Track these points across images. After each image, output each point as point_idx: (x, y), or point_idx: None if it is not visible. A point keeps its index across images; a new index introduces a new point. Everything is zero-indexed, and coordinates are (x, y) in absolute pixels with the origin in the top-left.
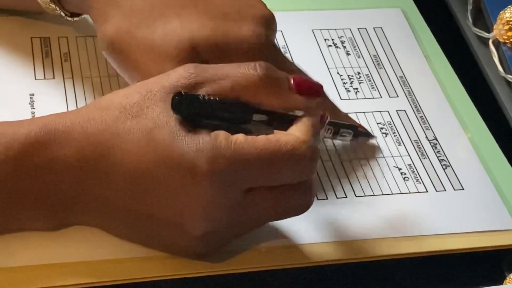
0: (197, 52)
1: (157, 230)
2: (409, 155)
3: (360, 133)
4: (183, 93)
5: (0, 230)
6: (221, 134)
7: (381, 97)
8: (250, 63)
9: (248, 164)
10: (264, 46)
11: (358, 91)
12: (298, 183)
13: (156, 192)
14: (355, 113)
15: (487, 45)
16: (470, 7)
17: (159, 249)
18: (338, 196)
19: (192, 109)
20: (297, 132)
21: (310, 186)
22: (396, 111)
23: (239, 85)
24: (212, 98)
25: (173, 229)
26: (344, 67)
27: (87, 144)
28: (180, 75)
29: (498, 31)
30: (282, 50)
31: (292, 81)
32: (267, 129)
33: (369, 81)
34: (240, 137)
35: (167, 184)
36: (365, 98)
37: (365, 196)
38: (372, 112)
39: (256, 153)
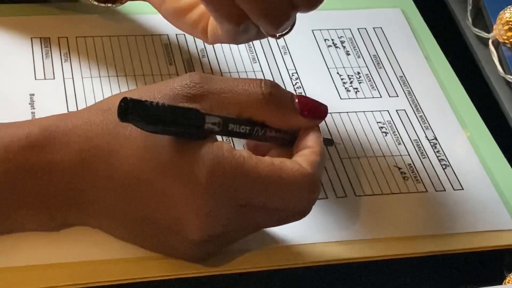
0: None
1: (155, 235)
2: (409, 155)
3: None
4: (128, 99)
5: (0, 230)
6: (225, 146)
7: (381, 97)
8: (256, 80)
9: (246, 183)
10: None
11: (358, 91)
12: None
13: (154, 199)
14: (355, 112)
15: (487, 45)
16: (470, 7)
17: (158, 252)
18: (338, 195)
19: (138, 116)
20: (304, 162)
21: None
22: (396, 110)
23: (242, 101)
24: (160, 104)
25: (171, 234)
26: (344, 67)
27: (87, 148)
28: (184, 84)
29: (498, 31)
30: (282, 50)
31: (296, 101)
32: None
33: (369, 81)
34: (244, 153)
35: (165, 192)
36: (365, 98)
37: (365, 195)
38: (372, 111)
39: (255, 173)
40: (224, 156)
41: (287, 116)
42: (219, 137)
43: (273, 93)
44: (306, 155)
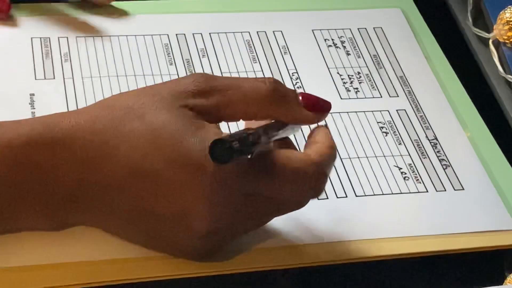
0: None
1: (159, 230)
2: (409, 155)
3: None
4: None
5: (0, 230)
6: None
7: (381, 97)
8: (260, 78)
9: (253, 171)
10: None
11: (358, 91)
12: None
13: (160, 191)
14: (355, 112)
15: (487, 45)
16: (470, 7)
17: (161, 250)
18: (338, 196)
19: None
20: (312, 152)
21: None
22: (396, 110)
23: (248, 97)
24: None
25: (176, 228)
26: (344, 67)
27: (91, 143)
28: (191, 81)
29: (498, 31)
30: (282, 50)
31: (300, 98)
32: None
33: (369, 80)
34: None
35: (172, 183)
36: (365, 98)
37: (365, 195)
38: (372, 111)
39: (262, 161)
40: None
41: (292, 110)
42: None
43: (278, 88)
44: (314, 148)
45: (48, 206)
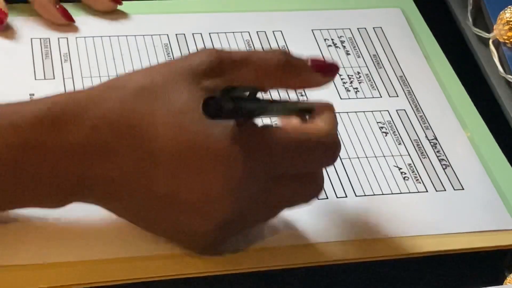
0: None
1: (174, 215)
2: (409, 155)
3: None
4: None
5: (4, 207)
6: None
7: (381, 97)
8: (269, 50)
9: (276, 150)
10: None
11: (358, 91)
12: (314, 172)
13: (180, 174)
14: (355, 112)
15: (487, 45)
16: (470, 7)
17: (172, 238)
18: (338, 196)
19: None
20: (322, 122)
21: (322, 174)
22: (396, 110)
23: (261, 69)
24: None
25: (194, 213)
26: (344, 67)
27: (102, 124)
28: (202, 59)
29: (498, 31)
30: None
31: (310, 62)
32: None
33: (369, 80)
34: (267, 124)
35: (193, 166)
36: (365, 98)
37: (365, 195)
38: (372, 111)
39: (284, 139)
40: (253, 128)
41: (303, 75)
42: None
43: (288, 58)
44: (321, 117)
45: (56, 188)
